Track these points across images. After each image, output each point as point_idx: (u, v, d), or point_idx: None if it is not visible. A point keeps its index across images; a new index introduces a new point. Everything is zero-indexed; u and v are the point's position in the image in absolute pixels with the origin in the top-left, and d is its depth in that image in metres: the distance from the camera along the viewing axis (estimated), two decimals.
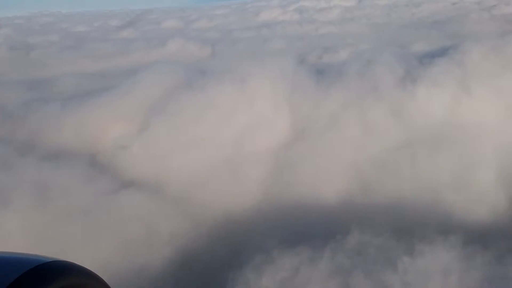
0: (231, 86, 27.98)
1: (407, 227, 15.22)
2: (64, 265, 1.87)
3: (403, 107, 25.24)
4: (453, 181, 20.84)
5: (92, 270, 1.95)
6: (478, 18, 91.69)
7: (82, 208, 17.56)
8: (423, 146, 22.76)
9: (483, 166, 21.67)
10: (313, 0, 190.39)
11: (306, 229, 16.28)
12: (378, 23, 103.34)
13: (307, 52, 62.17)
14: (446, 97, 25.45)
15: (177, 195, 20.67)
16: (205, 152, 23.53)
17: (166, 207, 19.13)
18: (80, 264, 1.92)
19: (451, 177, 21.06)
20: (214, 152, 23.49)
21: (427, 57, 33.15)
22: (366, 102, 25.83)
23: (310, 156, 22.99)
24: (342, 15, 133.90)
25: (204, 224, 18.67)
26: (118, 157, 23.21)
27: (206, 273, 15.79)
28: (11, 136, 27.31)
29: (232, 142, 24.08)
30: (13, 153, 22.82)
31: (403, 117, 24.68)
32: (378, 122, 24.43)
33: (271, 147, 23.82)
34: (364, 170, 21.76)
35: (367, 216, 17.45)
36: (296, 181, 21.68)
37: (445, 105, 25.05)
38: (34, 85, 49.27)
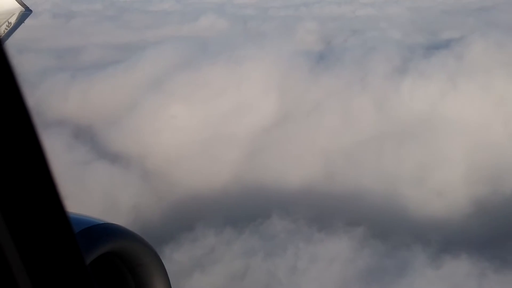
0: (227, 67, 28.74)
1: (335, 215, 15.83)
2: (116, 228, 1.91)
3: (386, 98, 25.45)
4: (416, 175, 21.16)
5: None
6: None
7: None
8: (397, 138, 23.05)
9: (452, 163, 21.84)
10: None
11: (252, 211, 17.11)
12: (420, 7, 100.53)
13: (333, 35, 61.88)
14: (430, 91, 25.50)
15: (151, 170, 21.81)
16: (188, 131, 24.53)
17: (135, 180, 20.29)
18: (131, 229, 1.97)
19: (417, 170, 21.36)
20: (196, 131, 24.46)
21: (433, 48, 32.91)
22: (351, 92, 26.16)
23: (286, 141, 23.66)
24: None
25: (167, 199, 19.74)
26: (104, 130, 24.53)
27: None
28: None
29: (215, 123, 25.00)
30: None
31: (384, 109, 24.94)
32: (359, 112, 24.78)
33: (251, 130, 24.60)
34: (332, 158, 22.29)
35: (318, 203, 18.11)
36: (266, 165, 22.46)
37: (428, 99, 25.14)
38: (62, 53, 51.37)
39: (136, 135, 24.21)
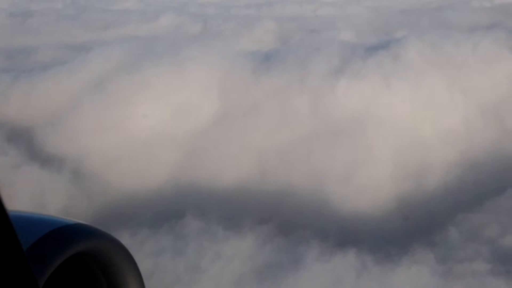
0: (171, 68, 29.00)
1: (253, 214, 16.36)
2: (87, 228, 1.88)
3: (321, 98, 26.11)
4: (345, 172, 21.84)
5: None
6: (477, 7, 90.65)
7: None
8: (329, 137, 23.72)
9: (380, 160, 22.60)
10: None
11: (173, 211, 17.49)
12: (380, 7, 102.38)
13: (289, 35, 62.63)
14: (364, 91, 26.25)
15: (85, 172, 21.97)
16: (127, 132, 24.73)
17: (66, 183, 20.44)
18: (102, 229, 1.94)
19: (345, 168, 22.05)
20: (135, 133, 24.68)
21: (376, 48, 33.70)
22: (289, 92, 26.73)
23: (223, 141, 24.08)
24: None
25: (98, 201, 19.97)
26: (40, 132, 24.56)
27: None
28: None
29: (154, 124, 25.23)
30: None
31: (318, 109, 25.58)
32: (294, 112, 25.37)
33: (189, 131, 24.94)
34: (266, 158, 22.82)
35: (242, 202, 18.59)
36: (202, 165, 22.85)
37: (361, 99, 25.87)
38: (12, 54, 50.74)
39: (73, 137, 24.32)
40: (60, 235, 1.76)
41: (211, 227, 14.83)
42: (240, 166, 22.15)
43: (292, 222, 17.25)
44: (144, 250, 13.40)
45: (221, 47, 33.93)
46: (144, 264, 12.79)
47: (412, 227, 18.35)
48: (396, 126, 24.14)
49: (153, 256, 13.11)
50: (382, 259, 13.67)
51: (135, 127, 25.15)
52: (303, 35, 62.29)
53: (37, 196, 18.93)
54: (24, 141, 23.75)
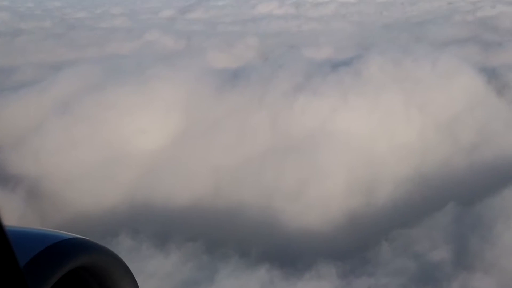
0: (133, 87, 29.48)
1: (187, 231, 16.73)
2: (85, 242, 1.90)
3: (280, 115, 26.57)
4: (297, 189, 22.25)
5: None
6: (459, 20, 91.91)
7: None
8: (284, 154, 24.16)
9: (333, 176, 23.01)
10: None
11: (112, 230, 17.84)
12: (364, 22, 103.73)
13: (270, 51, 63.34)
14: (322, 108, 26.71)
15: (41, 192, 22.31)
16: (87, 152, 25.12)
17: (20, 202, 20.78)
18: (100, 243, 1.96)
19: (298, 184, 22.46)
20: (95, 152, 25.07)
21: (340, 64, 34.28)
22: (250, 109, 27.20)
23: (181, 159, 24.50)
24: (336, 10, 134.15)
25: (51, 220, 20.29)
26: (0, 152, 24.96)
27: None
28: None
29: (115, 143, 25.64)
30: None
31: (276, 126, 26.03)
32: (252, 129, 25.82)
33: (149, 149, 25.34)
34: (221, 175, 23.23)
35: (187, 221, 18.95)
36: (157, 183, 23.23)
37: (319, 116, 26.33)
38: None
39: (34, 157, 24.69)
40: (58, 250, 1.76)
41: (141, 245, 15.18)
42: (193, 184, 22.55)
43: (223, 239, 17.62)
44: None
45: (191, 65, 34.48)
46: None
47: (353, 242, 18.71)
48: (351, 142, 24.60)
49: None
50: (289, 274, 14.04)
51: (96, 146, 25.55)
52: (278, 52, 62.85)
53: None
54: None
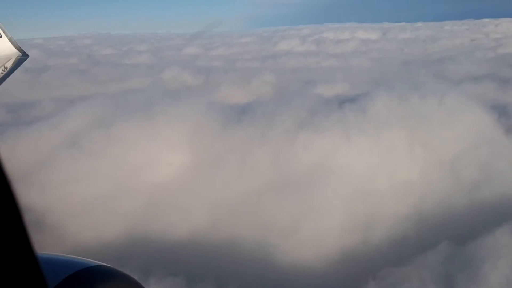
0: (139, 123, 30.13)
1: (174, 266, 16.87)
2: (108, 270, 1.94)
3: (282, 151, 26.78)
4: (295, 224, 22.25)
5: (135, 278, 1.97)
6: (480, 57, 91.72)
7: None
8: (283, 189, 24.25)
9: (330, 213, 22.97)
10: (337, 31, 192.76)
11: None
12: (383, 58, 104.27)
13: (285, 87, 64.04)
14: (324, 145, 26.84)
15: (45, 224, 22.77)
16: (93, 185, 25.64)
17: None
18: (123, 271, 2.00)
19: (295, 221, 22.48)
20: (100, 186, 25.56)
21: (348, 101, 34.52)
22: (252, 145, 27.50)
23: (181, 194, 24.80)
24: (356, 47, 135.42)
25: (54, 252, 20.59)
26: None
27: None
28: None
29: (118, 177, 26.12)
30: None
31: (278, 161, 26.21)
32: (255, 164, 26.05)
33: (152, 184, 25.73)
34: (220, 211, 23.41)
35: (181, 256, 19.09)
36: (158, 218, 23.51)
37: (321, 153, 26.44)
38: (16, 108, 52.94)
39: (39, 191, 25.25)
40: (83, 277, 1.79)
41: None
42: (190, 219, 22.76)
43: (212, 274, 17.69)
44: None
45: (200, 101, 35.15)
46: None
47: (343, 280, 18.56)
48: (350, 179, 24.57)
49: None
50: None
51: (100, 180, 26.04)
52: (291, 88, 63.37)
53: None
54: None
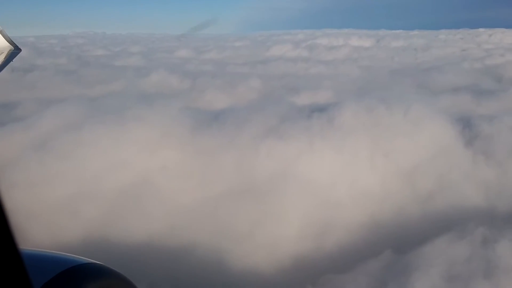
0: (112, 126, 30.52)
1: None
2: (99, 267, 1.94)
3: (247, 158, 27.23)
4: (250, 231, 22.69)
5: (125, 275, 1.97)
6: (467, 68, 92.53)
7: None
8: (243, 196, 24.69)
9: (288, 219, 23.42)
10: (331, 37, 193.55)
11: None
12: (373, 67, 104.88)
13: (269, 93, 64.46)
14: (288, 152, 27.30)
15: None
16: (55, 188, 25.99)
17: None
18: (113, 268, 1.99)
19: (252, 227, 22.91)
20: (63, 189, 25.91)
21: (321, 110, 34.99)
22: (217, 151, 27.93)
23: (144, 197, 25.19)
24: (348, 54, 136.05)
25: None
26: None
27: None
28: None
29: (84, 180, 26.49)
30: None
31: (241, 168, 26.65)
32: (218, 170, 26.48)
33: (115, 187, 26.11)
34: (179, 215, 23.82)
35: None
36: (118, 221, 23.88)
37: (284, 160, 26.90)
38: None
39: (3, 193, 25.55)
40: (73, 274, 1.78)
41: None
42: (150, 223, 23.13)
43: (162, 279, 18.09)
44: None
45: (175, 106, 35.55)
46: None
47: (290, 285, 18.99)
48: (310, 187, 25.04)
49: None
50: None
51: (65, 183, 26.39)
52: (271, 95, 63.57)
53: None
54: None
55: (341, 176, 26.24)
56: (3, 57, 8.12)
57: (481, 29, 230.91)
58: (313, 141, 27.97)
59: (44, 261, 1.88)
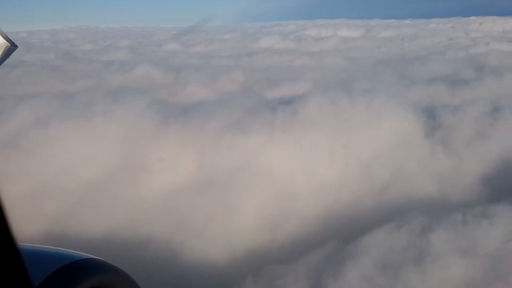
0: (80, 122, 30.84)
1: None
2: (99, 263, 1.94)
3: (209, 151, 27.61)
4: (205, 224, 23.11)
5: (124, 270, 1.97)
6: (451, 57, 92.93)
7: None
8: (202, 189, 25.09)
9: (243, 212, 23.86)
10: (321, 28, 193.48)
11: None
12: (358, 57, 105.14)
13: (249, 86, 64.79)
14: (249, 145, 27.70)
15: None
16: (19, 183, 26.31)
17: None
18: (113, 263, 1.99)
19: (207, 220, 23.33)
20: (26, 184, 26.26)
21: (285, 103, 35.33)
22: (181, 144, 28.30)
23: (105, 192, 25.57)
24: (336, 45, 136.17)
25: None
26: None
27: None
28: None
29: (48, 175, 26.84)
30: None
31: (203, 161, 27.04)
32: (179, 164, 26.86)
33: (78, 182, 26.47)
34: (138, 209, 24.23)
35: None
36: (78, 215, 24.28)
37: (245, 153, 27.29)
38: None
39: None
40: (73, 270, 1.78)
41: None
42: (110, 218, 23.53)
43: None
44: None
45: (148, 100, 35.82)
46: None
47: (238, 276, 19.42)
48: (269, 180, 25.45)
49: None
50: None
51: (29, 178, 26.73)
52: (249, 88, 63.76)
53: None
54: None
55: (300, 168, 26.66)
56: (0, 54, 8.07)
57: (473, 17, 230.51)
58: (274, 134, 28.33)
59: (43, 257, 1.89)
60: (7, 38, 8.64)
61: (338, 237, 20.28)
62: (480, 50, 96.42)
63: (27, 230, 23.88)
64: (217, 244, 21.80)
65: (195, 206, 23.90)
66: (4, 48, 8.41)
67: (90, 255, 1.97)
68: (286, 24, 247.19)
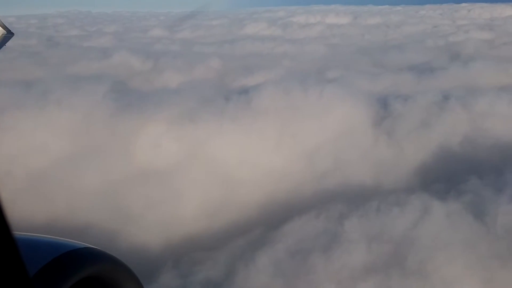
0: (36, 110, 31.18)
1: None
2: (96, 252, 1.93)
3: (156, 140, 28.08)
4: (145, 212, 23.65)
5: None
6: (431, 45, 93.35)
7: None
8: (146, 178, 25.60)
9: (186, 200, 24.42)
10: (310, 15, 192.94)
11: None
12: (340, 45, 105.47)
13: (224, 73, 65.07)
14: (197, 134, 28.20)
15: None
16: None
17: None
18: (110, 253, 1.99)
19: (147, 208, 23.87)
20: None
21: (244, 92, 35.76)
22: (132, 133, 28.74)
23: (52, 180, 26.03)
24: (321, 32, 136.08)
25: None
26: None
27: None
28: None
29: (3, 163, 27.24)
30: None
31: (149, 150, 27.51)
32: (126, 153, 27.34)
33: (31, 170, 26.91)
34: (81, 197, 24.73)
35: None
36: (21, 203, 24.72)
37: (192, 142, 27.80)
38: None
39: None
40: (69, 259, 1.77)
41: None
42: (51, 206, 24.01)
43: None
44: None
45: (101, 89, 36.09)
46: None
47: (163, 263, 20.02)
48: (214, 169, 25.99)
49: None
50: None
51: None
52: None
53: None
54: None
55: (246, 157, 27.20)
56: None
57: (463, 4, 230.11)
58: (223, 124, 28.83)
59: (39, 246, 1.89)
60: (3, 26, 9.30)
61: (268, 224, 20.87)
62: (459, 38, 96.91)
63: None
64: (153, 231, 22.35)
65: (137, 194, 24.43)
66: (0, 36, 9.16)
67: (87, 244, 1.97)
68: (276, 10, 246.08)
